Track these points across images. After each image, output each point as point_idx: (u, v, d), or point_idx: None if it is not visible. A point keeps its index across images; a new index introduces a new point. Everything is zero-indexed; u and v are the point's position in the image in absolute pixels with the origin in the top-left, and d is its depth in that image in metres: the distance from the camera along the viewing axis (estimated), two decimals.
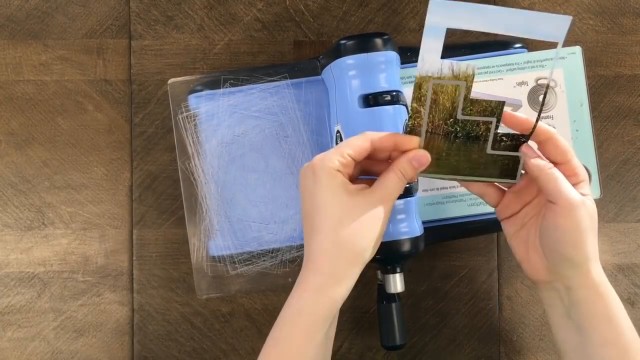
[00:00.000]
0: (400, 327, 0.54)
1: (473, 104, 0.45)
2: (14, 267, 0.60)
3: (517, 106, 0.55)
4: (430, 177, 0.48)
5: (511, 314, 0.61)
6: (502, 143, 0.46)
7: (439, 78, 0.44)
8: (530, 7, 0.61)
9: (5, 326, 0.60)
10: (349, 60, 0.52)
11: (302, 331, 0.44)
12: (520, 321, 0.61)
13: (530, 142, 0.46)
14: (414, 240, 0.52)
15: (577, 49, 0.55)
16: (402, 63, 0.54)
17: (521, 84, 0.55)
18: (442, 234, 0.57)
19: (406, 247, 0.51)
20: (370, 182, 0.46)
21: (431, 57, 0.44)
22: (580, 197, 0.44)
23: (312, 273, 0.45)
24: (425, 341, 0.61)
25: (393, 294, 0.54)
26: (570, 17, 0.42)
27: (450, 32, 0.43)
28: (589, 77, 0.58)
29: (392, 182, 0.45)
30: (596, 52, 0.61)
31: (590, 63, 0.61)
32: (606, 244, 0.61)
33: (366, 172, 0.48)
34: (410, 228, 0.52)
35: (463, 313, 0.61)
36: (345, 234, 0.44)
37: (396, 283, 0.53)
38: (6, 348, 0.60)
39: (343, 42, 0.52)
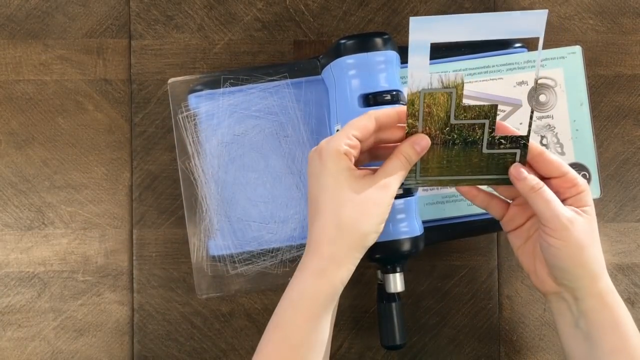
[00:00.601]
0: (400, 327, 0.54)
1: (466, 110, 0.45)
2: (14, 267, 0.60)
3: (517, 106, 0.55)
4: (435, 185, 0.48)
5: (511, 314, 0.61)
6: (502, 145, 0.46)
7: (430, 94, 0.45)
8: (530, 7, 0.61)
9: (5, 326, 0.60)
10: (349, 59, 0.52)
11: (303, 315, 0.44)
12: (520, 321, 0.61)
13: (530, 143, 0.46)
14: (414, 240, 0.52)
15: (577, 49, 0.55)
16: (402, 63, 0.54)
17: (521, 83, 0.55)
18: (442, 234, 0.57)
19: (406, 246, 0.51)
20: (375, 172, 0.47)
21: (420, 73, 0.45)
22: (570, 216, 0.45)
23: (314, 257, 0.45)
24: (425, 341, 0.61)
25: (393, 294, 0.54)
26: (546, 11, 0.43)
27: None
28: (589, 77, 0.58)
29: (395, 165, 0.46)
30: (596, 52, 0.61)
31: (590, 63, 0.61)
32: (606, 244, 0.61)
33: (376, 158, 0.49)
34: (410, 228, 0.52)
35: (463, 313, 0.61)
36: (348, 217, 0.44)
37: (396, 283, 0.53)
38: (6, 348, 0.60)
39: (343, 41, 0.52)
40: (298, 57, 0.61)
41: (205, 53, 0.61)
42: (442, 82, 0.45)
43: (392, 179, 0.45)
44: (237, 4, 0.61)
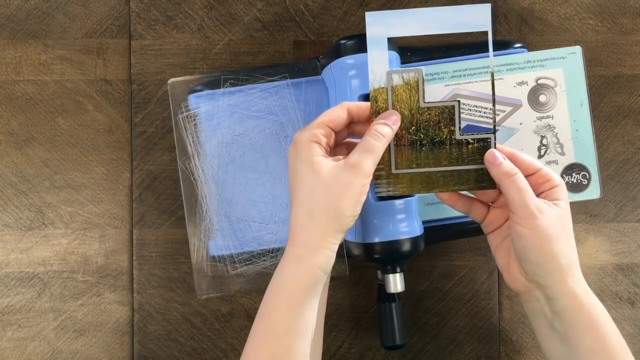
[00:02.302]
0: (400, 327, 0.54)
1: (430, 108, 0.46)
2: (14, 267, 0.60)
3: (517, 106, 0.55)
4: (407, 193, 0.48)
5: (511, 314, 0.61)
6: (469, 145, 0.47)
7: (393, 91, 0.46)
8: (529, 7, 0.61)
9: (5, 326, 0.60)
10: (349, 60, 0.52)
11: (285, 303, 0.44)
12: (520, 321, 0.61)
13: (499, 147, 0.47)
14: (414, 240, 0.52)
15: (577, 49, 0.55)
16: (402, 63, 0.54)
17: (521, 83, 0.55)
18: (442, 234, 0.57)
19: (406, 247, 0.51)
20: None
21: (380, 68, 0.46)
22: (540, 205, 0.45)
23: (290, 245, 0.45)
24: (425, 341, 0.61)
25: (393, 294, 0.54)
26: (489, 5, 0.45)
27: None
28: (589, 77, 0.58)
29: (365, 143, 0.45)
30: (596, 52, 0.61)
31: (590, 63, 0.61)
32: (606, 244, 0.61)
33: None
34: (410, 228, 0.52)
35: (463, 313, 0.61)
36: (317, 202, 0.44)
37: (396, 283, 0.53)
38: (6, 348, 0.60)
39: (343, 42, 0.52)
40: (298, 57, 0.61)
41: (205, 53, 0.61)
42: (402, 79, 0.46)
43: (362, 157, 0.44)
44: (237, 4, 0.61)
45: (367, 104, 0.47)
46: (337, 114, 0.46)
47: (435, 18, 0.45)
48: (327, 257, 0.45)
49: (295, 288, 0.44)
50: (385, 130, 0.46)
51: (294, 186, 0.46)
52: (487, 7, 0.44)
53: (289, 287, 0.44)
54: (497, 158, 0.46)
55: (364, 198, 0.45)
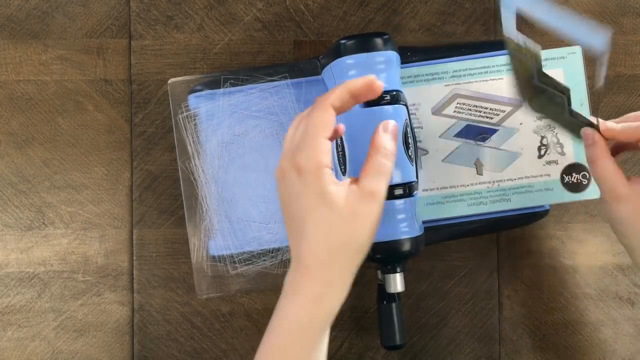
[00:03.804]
0: (400, 327, 0.54)
1: (546, 76, 0.47)
2: (14, 267, 0.60)
3: (517, 106, 0.55)
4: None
5: (511, 314, 0.61)
6: (579, 117, 0.48)
7: (514, 55, 0.46)
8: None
9: (5, 326, 0.60)
10: (349, 60, 0.52)
11: (301, 343, 0.42)
12: (520, 321, 0.61)
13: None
14: (414, 240, 0.52)
15: (577, 49, 0.55)
16: (402, 63, 0.55)
17: None
18: (442, 234, 0.57)
19: (406, 247, 0.51)
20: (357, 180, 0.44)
21: (509, 26, 0.45)
22: (625, 192, 0.44)
23: (308, 281, 0.42)
24: (425, 341, 0.61)
25: (393, 294, 0.54)
26: (609, 32, 0.43)
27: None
28: (589, 77, 0.58)
29: (376, 165, 0.43)
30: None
31: (590, 63, 0.61)
32: (606, 243, 0.61)
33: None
34: (410, 228, 0.52)
35: (463, 313, 0.61)
36: (339, 239, 0.41)
37: (396, 283, 0.53)
38: (6, 348, 0.60)
39: (343, 42, 0.52)
40: (298, 57, 0.61)
41: (205, 53, 0.61)
42: (525, 44, 0.46)
43: (378, 182, 0.42)
44: (237, 4, 0.61)
45: (355, 82, 0.44)
46: (330, 119, 0.43)
47: (562, 17, 0.43)
48: (348, 288, 0.43)
49: (315, 328, 0.42)
50: (391, 145, 0.44)
51: (306, 218, 0.42)
52: (606, 34, 0.42)
53: (307, 327, 0.42)
54: (590, 137, 0.46)
55: (380, 218, 0.43)
